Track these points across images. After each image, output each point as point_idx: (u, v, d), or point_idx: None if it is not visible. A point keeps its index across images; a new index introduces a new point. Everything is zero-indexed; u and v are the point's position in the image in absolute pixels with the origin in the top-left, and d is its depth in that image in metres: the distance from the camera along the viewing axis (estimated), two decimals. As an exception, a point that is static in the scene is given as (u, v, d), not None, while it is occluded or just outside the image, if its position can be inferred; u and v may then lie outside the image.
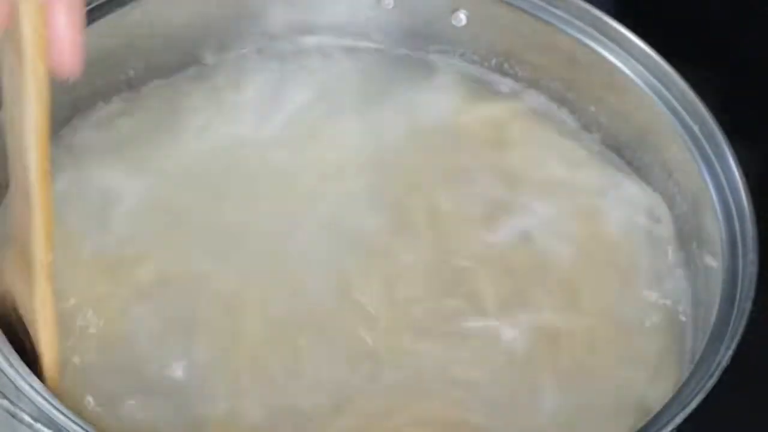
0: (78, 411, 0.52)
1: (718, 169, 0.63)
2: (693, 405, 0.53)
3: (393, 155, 0.68)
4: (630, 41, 0.67)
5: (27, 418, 0.50)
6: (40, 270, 0.50)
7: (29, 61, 0.44)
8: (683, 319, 0.63)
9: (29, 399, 0.50)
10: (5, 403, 0.50)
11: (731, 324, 0.56)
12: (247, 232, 0.64)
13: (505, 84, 0.72)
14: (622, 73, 0.67)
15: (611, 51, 0.67)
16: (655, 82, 0.66)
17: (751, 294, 0.57)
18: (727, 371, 0.54)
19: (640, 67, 0.66)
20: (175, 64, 0.70)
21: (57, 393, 0.52)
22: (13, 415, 0.50)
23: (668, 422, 0.52)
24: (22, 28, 0.44)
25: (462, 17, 0.71)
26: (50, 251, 0.49)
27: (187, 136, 0.68)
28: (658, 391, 0.60)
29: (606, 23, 0.67)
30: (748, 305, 0.57)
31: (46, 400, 0.50)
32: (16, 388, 0.51)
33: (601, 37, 0.67)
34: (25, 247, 0.50)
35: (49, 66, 0.45)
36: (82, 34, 0.45)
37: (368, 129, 0.69)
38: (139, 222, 0.63)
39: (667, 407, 0.54)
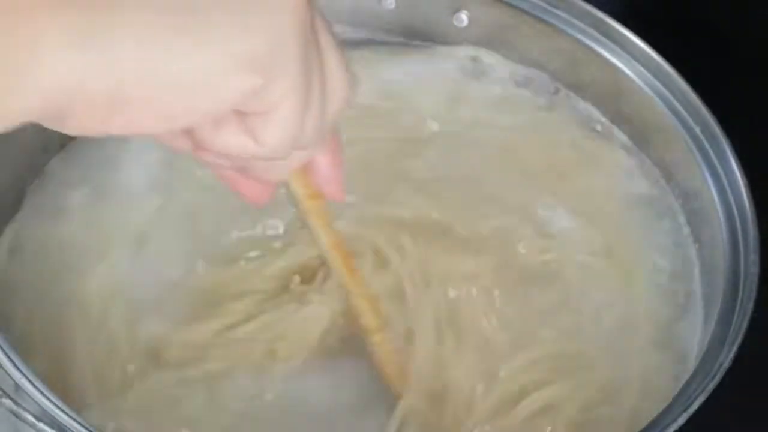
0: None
1: (720, 171, 0.63)
2: (695, 406, 0.53)
3: None
4: (631, 42, 0.67)
5: (30, 418, 0.50)
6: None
7: (303, 205, 0.52)
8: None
9: (32, 398, 0.50)
10: (8, 402, 0.50)
11: (733, 325, 0.56)
12: None
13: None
14: (624, 74, 0.67)
15: (612, 52, 0.67)
16: (656, 83, 0.66)
17: (753, 295, 0.57)
18: (728, 372, 0.54)
19: (642, 69, 0.66)
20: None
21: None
22: (16, 415, 0.50)
23: (670, 423, 0.52)
24: (291, 189, 0.51)
25: (463, 18, 0.71)
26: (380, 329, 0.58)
27: None
28: None
29: (607, 24, 0.67)
30: (750, 306, 0.57)
31: (48, 399, 0.50)
32: (19, 387, 0.51)
33: (603, 39, 0.67)
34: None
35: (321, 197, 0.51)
36: (344, 166, 0.49)
37: None
38: None
39: (669, 408, 0.54)
